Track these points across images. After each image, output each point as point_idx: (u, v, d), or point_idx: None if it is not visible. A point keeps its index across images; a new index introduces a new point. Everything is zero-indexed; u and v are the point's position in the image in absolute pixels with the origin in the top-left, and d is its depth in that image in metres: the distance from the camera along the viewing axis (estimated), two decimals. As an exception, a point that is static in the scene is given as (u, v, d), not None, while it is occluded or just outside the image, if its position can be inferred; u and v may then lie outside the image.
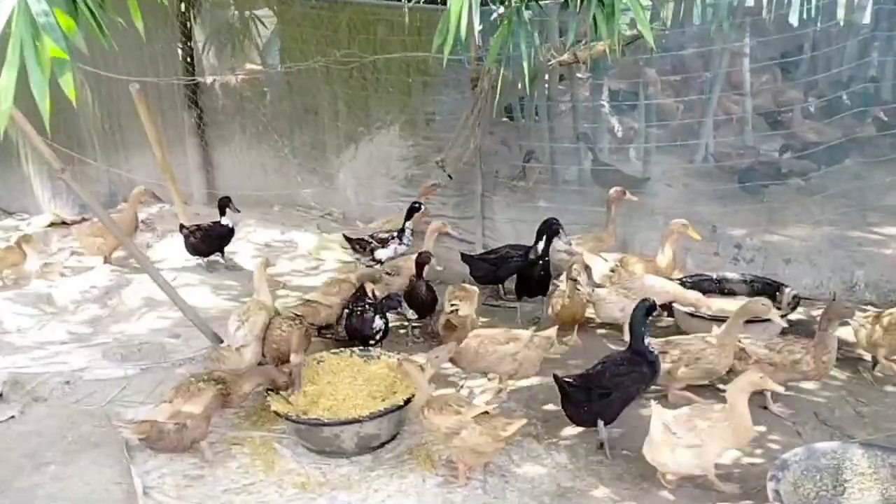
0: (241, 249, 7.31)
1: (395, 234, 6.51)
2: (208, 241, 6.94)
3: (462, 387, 4.92)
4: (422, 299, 5.40)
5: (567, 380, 4.11)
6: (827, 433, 4.22)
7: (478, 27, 3.92)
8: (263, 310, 4.91)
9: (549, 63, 6.54)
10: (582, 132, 7.44)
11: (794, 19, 9.27)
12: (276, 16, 8.18)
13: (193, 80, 8.27)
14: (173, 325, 5.69)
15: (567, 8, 3.92)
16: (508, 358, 4.53)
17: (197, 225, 7.03)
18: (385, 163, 8.01)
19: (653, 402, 3.84)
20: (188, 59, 8.37)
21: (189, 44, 8.32)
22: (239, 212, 7.06)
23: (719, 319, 5.06)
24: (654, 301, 4.34)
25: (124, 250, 6.75)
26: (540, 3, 5.58)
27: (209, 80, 8.37)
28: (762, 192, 7.12)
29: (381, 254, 6.42)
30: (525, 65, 4.05)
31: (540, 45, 6.45)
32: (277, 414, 4.16)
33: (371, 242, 6.46)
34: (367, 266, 6.40)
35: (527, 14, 4.24)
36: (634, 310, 4.27)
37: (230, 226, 6.96)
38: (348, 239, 6.56)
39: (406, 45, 7.21)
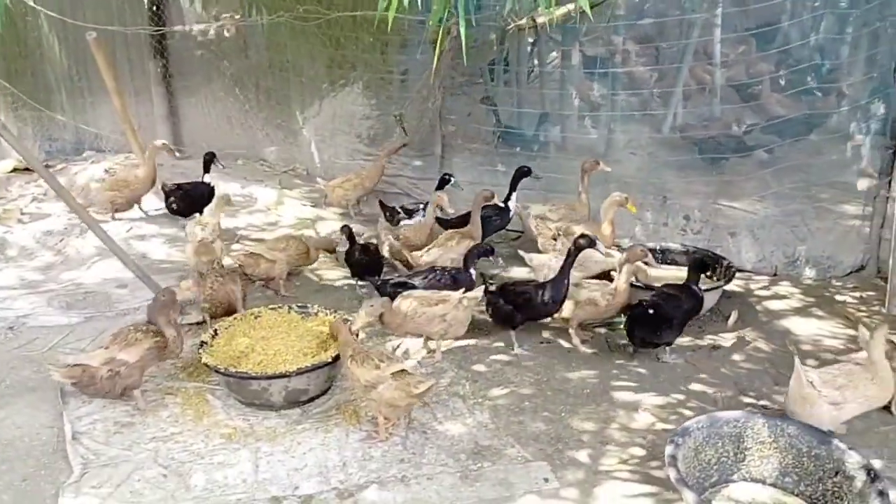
0: (199, 202, 7.31)
1: (421, 206, 6.58)
2: (188, 202, 6.80)
3: (400, 344, 5.03)
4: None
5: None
6: (743, 403, 4.35)
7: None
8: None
9: (508, 28, 6.51)
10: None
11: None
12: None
13: (158, 29, 8.21)
14: (122, 275, 5.73)
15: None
16: (437, 319, 4.62)
17: (177, 184, 6.89)
18: (348, 121, 8.02)
19: (796, 359, 3.89)
20: (155, 8, 8.29)
21: (155, -7, 8.23)
22: (224, 167, 6.93)
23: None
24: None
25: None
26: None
27: (176, 29, 8.31)
28: (720, 164, 7.17)
29: (405, 223, 6.47)
30: (462, 28, 4.08)
31: (497, 9, 6.41)
32: (207, 366, 4.25)
33: (399, 213, 6.57)
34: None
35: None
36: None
37: (211, 185, 6.80)
38: (382, 206, 6.63)
39: (373, 4, 7.17)
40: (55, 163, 8.65)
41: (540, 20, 6.29)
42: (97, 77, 8.52)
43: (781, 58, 7.09)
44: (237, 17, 8.26)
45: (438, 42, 6.60)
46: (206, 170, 6.84)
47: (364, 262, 5.62)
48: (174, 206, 6.82)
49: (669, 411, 4.28)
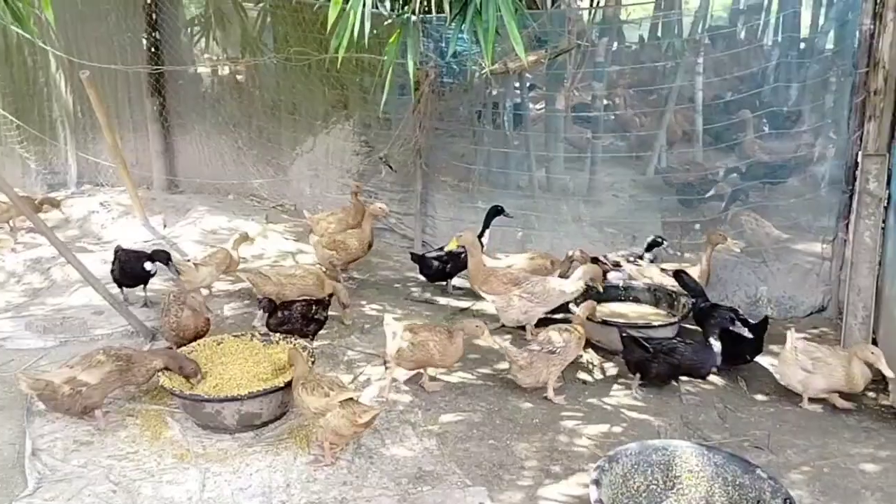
0: (185, 233, 7.59)
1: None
2: (121, 272, 6.08)
3: (361, 373, 5.18)
4: None
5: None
6: (686, 434, 4.45)
7: (368, 32, 4.20)
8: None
9: (482, 72, 6.77)
10: (380, 156, 7.75)
11: (768, 39, 9.51)
12: (238, 13, 8.48)
13: (157, 68, 8.58)
14: (101, 302, 5.94)
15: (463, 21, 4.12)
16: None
17: (124, 250, 6.19)
18: (339, 156, 8.29)
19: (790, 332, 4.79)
20: (153, 49, 8.66)
21: (154, 34, 8.61)
22: (178, 273, 5.89)
23: (609, 323, 5.35)
24: None
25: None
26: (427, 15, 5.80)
27: (175, 68, 8.68)
28: (695, 206, 7.34)
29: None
30: (410, 70, 4.32)
31: (470, 53, 6.69)
32: (164, 388, 4.42)
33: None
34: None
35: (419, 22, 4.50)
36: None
37: (152, 272, 6.04)
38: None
39: (360, 48, 7.49)
40: (57, 196, 8.96)
41: (511, 65, 6.54)
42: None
43: (751, 104, 7.31)
44: (235, 58, 8.64)
45: (420, 83, 7.01)
46: (152, 261, 5.98)
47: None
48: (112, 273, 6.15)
49: (613, 441, 4.39)
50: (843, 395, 4.74)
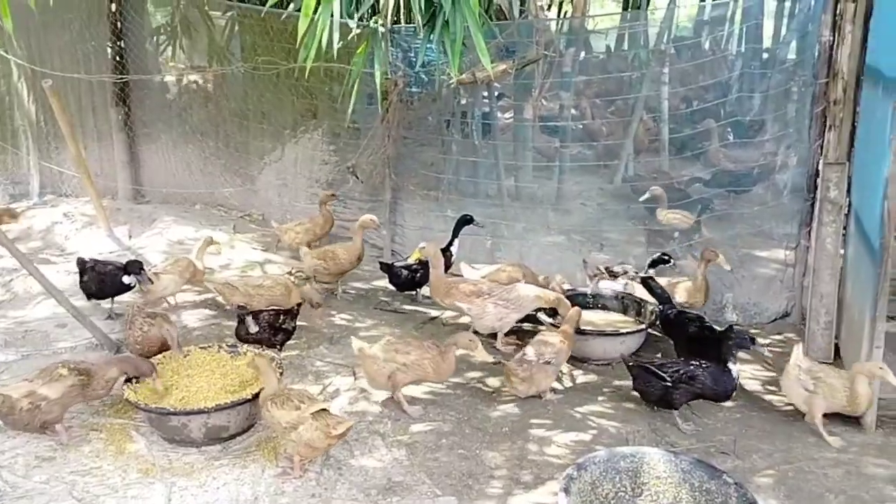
0: (151, 244, 7.49)
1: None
2: (100, 285, 5.91)
3: (329, 384, 5.14)
4: None
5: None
6: (653, 441, 4.48)
7: (336, 43, 4.20)
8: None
9: (450, 82, 6.80)
10: (348, 166, 7.73)
11: (731, 50, 9.67)
12: (205, 21, 8.42)
13: (122, 77, 8.47)
14: (64, 314, 5.84)
15: (431, 32, 4.15)
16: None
17: (101, 262, 6.02)
18: (308, 166, 8.26)
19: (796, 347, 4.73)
20: (118, 58, 8.56)
21: (119, 43, 8.51)
22: (151, 283, 5.86)
23: (581, 332, 5.38)
24: None
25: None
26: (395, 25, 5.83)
27: (140, 77, 8.59)
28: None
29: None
30: (377, 79, 4.33)
31: (438, 63, 6.71)
32: (129, 402, 4.35)
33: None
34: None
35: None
36: None
37: (132, 285, 5.88)
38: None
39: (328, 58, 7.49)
40: (18, 206, 8.80)
41: (479, 75, 6.57)
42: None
43: (715, 114, 7.44)
44: (202, 67, 8.58)
45: (388, 93, 7.01)
46: (127, 274, 5.82)
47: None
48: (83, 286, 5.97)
49: (583, 448, 4.40)
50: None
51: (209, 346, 4.98)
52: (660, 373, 4.61)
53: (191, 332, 5.88)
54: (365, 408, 4.86)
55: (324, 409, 4.08)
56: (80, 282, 5.94)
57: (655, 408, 4.78)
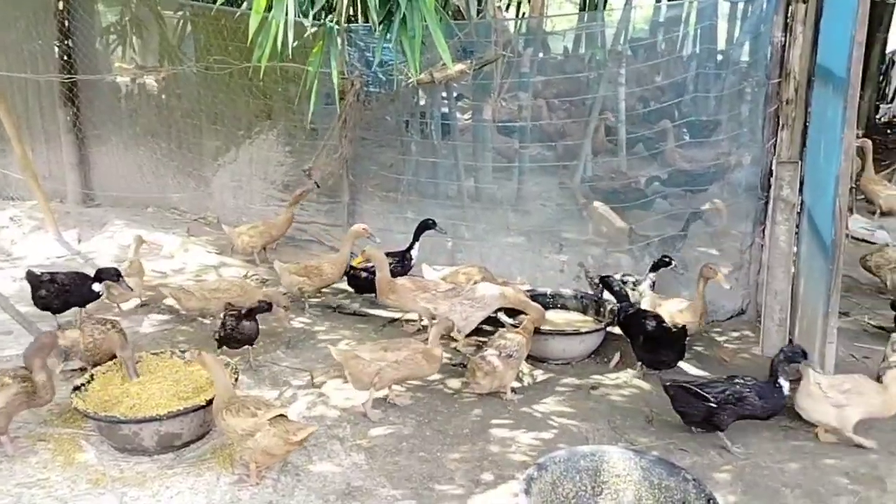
0: (102, 249, 7.30)
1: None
2: (64, 297, 5.59)
3: (286, 389, 5.05)
4: None
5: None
6: (613, 439, 4.49)
7: (291, 42, 4.12)
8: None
9: (408, 82, 6.75)
10: (304, 169, 7.65)
11: (686, 51, 9.80)
12: (156, 20, 8.24)
13: (70, 77, 8.25)
14: (9, 321, 5.64)
15: (388, 30, 4.09)
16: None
17: (51, 273, 5.66)
18: (264, 167, 8.13)
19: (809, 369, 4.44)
20: (66, 57, 8.33)
21: (67, 42, 8.28)
22: (131, 290, 5.82)
23: (541, 332, 5.36)
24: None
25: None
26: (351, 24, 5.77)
27: (92, 77, 8.37)
28: (624, 215, 7.46)
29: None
30: (335, 79, 4.26)
31: (396, 62, 6.66)
32: (77, 410, 4.21)
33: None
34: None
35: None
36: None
37: (102, 293, 5.71)
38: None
39: (283, 57, 7.38)
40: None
41: (437, 75, 6.53)
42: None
43: (671, 114, 7.52)
44: (151, 66, 8.38)
45: (345, 93, 6.93)
46: (98, 281, 5.64)
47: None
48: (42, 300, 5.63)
49: (543, 447, 4.38)
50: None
51: (161, 352, 4.85)
52: (703, 393, 4.34)
53: (142, 337, 5.72)
54: (323, 412, 4.78)
55: (282, 415, 3.99)
56: (35, 296, 5.57)
57: (694, 429, 4.52)
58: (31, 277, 5.61)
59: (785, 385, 4.36)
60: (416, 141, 7.85)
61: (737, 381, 4.41)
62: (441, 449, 4.41)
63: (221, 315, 5.24)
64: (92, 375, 4.51)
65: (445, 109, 7.94)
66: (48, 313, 5.68)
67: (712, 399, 4.32)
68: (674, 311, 5.54)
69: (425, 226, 6.53)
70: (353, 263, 6.11)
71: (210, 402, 4.19)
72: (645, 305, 5.63)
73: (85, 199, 8.73)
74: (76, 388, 4.36)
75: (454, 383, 5.15)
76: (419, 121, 7.94)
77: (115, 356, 4.88)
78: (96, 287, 5.59)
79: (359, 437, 4.51)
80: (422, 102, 7.93)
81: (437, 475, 4.15)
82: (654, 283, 5.93)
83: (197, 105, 8.24)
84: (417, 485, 4.07)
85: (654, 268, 5.89)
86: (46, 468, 4.11)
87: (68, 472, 4.07)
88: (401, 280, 5.76)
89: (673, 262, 5.85)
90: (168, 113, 8.40)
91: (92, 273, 5.65)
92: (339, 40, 4.35)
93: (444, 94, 7.93)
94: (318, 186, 7.37)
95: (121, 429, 4.13)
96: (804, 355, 4.41)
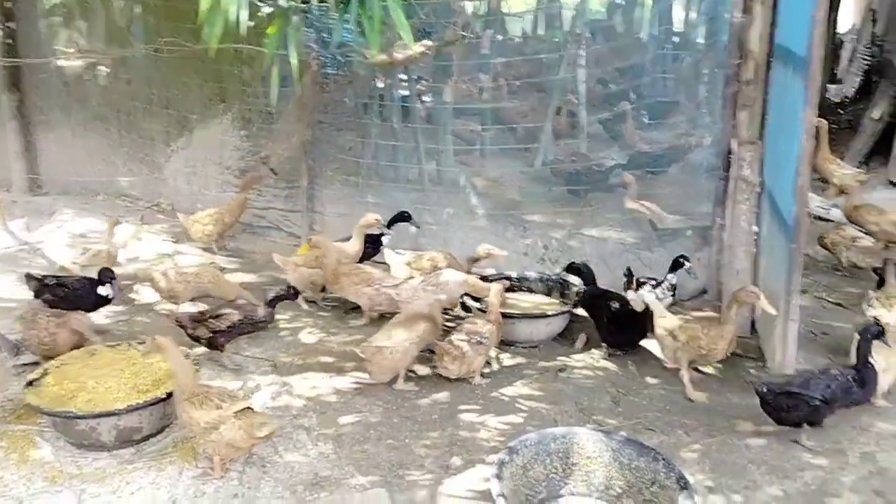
0: (51, 238, 7.06)
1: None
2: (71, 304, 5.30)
3: (249, 379, 4.94)
4: None
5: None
6: (581, 420, 4.49)
7: (245, 22, 3.97)
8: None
9: (367, 63, 6.62)
10: (261, 156, 7.55)
11: (645, 33, 9.81)
12: (103, 2, 7.95)
13: (13, 61, 7.92)
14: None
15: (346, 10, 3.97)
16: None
17: (57, 277, 5.49)
18: (219, 152, 7.93)
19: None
20: (10, 41, 8.00)
21: (9, 24, 7.94)
22: (121, 290, 5.64)
23: (508, 315, 5.33)
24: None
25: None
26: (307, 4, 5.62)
27: (36, 61, 8.05)
28: (584, 197, 7.49)
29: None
30: (293, 62, 4.13)
31: (355, 43, 6.53)
32: (31, 406, 4.05)
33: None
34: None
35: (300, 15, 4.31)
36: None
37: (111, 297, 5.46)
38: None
39: (237, 38, 7.18)
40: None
41: (397, 56, 6.41)
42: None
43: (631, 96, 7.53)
44: (102, 50, 8.10)
45: (302, 76, 6.76)
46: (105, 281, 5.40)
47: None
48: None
49: (512, 431, 4.36)
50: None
51: (118, 345, 4.69)
52: (809, 394, 4.12)
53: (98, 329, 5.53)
54: (288, 402, 4.69)
55: (248, 408, 3.90)
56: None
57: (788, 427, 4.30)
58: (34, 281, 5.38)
59: (874, 363, 4.23)
60: (376, 124, 7.74)
61: (832, 371, 4.24)
62: (410, 435, 4.35)
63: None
64: (45, 370, 4.33)
65: (405, 92, 7.84)
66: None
67: (819, 398, 4.11)
68: (697, 332, 4.74)
69: (401, 217, 6.42)
70: (299, 252, 5.99)
71: (171, 395, 4.07)
72: (661, 322, 4.93)
73: (32, 188, 8.43)
74: (29, 383, 4.19)
75: (422, 370, 5.09)
76: (378, 103, 7.82)
77: (70, 349, 4.73)
78: (102, 290, 5.32)
79: (326, 426, 4.44)
80: (381, 85, 7.82)
81: (406, 462, 4.10)
82: (674, 287, 5.55)
83: (147, 89, 7.99)
84: (387, 472, 4.01)
85: (673, 268, 5.57)
86: (0, 466, 3.95)
87: (23, 471, 3.92)
88: (347, 269, 5.68)
89: (687, 263, 5.58)
90: (118, 97, 8.12)
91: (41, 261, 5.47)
92: (295, 19, 4.19)
93: (404, 77, 7.83)
94: (275, 173, 7.21)
95: (77, 424, 3.98)
96: (882, 332, 4.30)
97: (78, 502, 3.69)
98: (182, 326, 5.00)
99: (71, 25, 8.12)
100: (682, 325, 4.84)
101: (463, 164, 7.62)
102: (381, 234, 6.35)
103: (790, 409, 4.18)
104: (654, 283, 5.54)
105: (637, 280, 5.46)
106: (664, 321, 4.94)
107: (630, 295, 5.37)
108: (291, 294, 5.26)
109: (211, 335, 4.95)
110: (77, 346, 4.75)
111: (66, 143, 8.35)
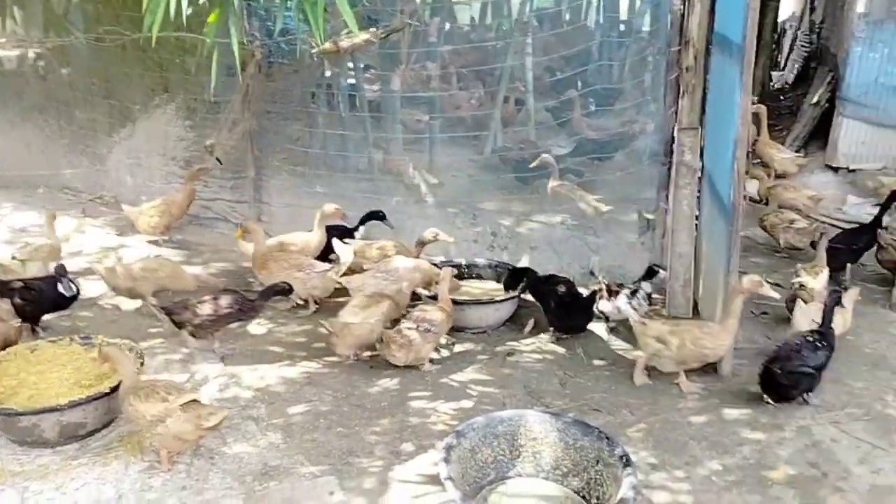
0: (-10, 233, 6.86)
1: None
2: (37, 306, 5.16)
3: (196, 371, 4.89)
4: None
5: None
6: (529, 403, 4.56)
7: (186, 9, 3.92)
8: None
9: (312, 52, 6.56)
10: (206, 144, 7.28)
11: (590, 21, 9.91)
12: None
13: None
14: None
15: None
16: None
17: (23, 281, 5.21)
18: (163, 143, 7.78)
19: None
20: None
21: (-60, 11, 7.68)
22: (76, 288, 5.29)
23: (457, 302, 5.37)
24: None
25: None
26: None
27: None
28: (532, 184, 7.54)
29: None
30: (235, 50, 4.09)
31: (299, 31, 6.47)
32: (-32, 404, 3.96)
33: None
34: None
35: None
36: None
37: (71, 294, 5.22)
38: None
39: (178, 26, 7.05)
40: None
41: (343, 44, 6.37)
42: None
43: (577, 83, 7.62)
44: (38, 39, 7.88)
45: (246, 64, 6.68)
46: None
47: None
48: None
49: (462, 416, 4.41)
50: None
51: (59, 339, 4.60)
52: (810, 368, 4.41)
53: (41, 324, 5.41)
54: (237, 393, 4.66)
55: (195, 400, 3.87)
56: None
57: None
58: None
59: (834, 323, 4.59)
60: (323, 113, 7.68)
61: (811, 338, 4.51)
62: (360, 423, 4.37)
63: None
64: (-17, 367, 4.23)
65: (352, 80, 7.79)
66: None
67: (812, 368, 4.41)
68: (694, 334, 4.58)
69: (376, 216, 6.38)
70: (235, 236, 5.98)
71: (115, 389, 4.02)
72: (643, 330, 4.71)
73: (-35, 181, 8.17)
74: (-31, 383, 4.09)
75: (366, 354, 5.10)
76: (326, 92, 7.76)
77: (7, 346, 4.62)
78: (60, 287, 5.11)
79: (275, 416, 4.43)
80: (328, 73, 7.75)
81: (356, 449, 4.12)
82: (649, 296, 5.42)
83: (88, 78, 7.79)
84: (336, 460, 4.03)
85: (648, 275, 5.55)
86: (-63, 468, 3.86)
87: (-38, 471, 3.83)
88: (276, 254, 5.73)
89: (662, 272, 5.54)
90: (56, 87, 7.90)
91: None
92: (237, 7, 4.15)
93: (351, 65, 7.77)
94: (220, 163, 7.10)
95: (19, 421, 3.91)
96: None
97: (21, 500, 3.63)
98: (168, 313, 4.95)
99: (5, 13, 7.85)
100: (671, 329, 4.62)
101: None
102: (354, 230, 6.33)
103: (797, 384, 4.45)
104: (628, 291, 5.34)
105: (609, 288, 5.41)
106: (647, 329, 4.68)
107: (604, 305, 5.35)
108: (286, 288, 5.21)
109: (198, 323, 4.91)
110: (9, 342, 4.63)
111: (4, 134, 8.10)
